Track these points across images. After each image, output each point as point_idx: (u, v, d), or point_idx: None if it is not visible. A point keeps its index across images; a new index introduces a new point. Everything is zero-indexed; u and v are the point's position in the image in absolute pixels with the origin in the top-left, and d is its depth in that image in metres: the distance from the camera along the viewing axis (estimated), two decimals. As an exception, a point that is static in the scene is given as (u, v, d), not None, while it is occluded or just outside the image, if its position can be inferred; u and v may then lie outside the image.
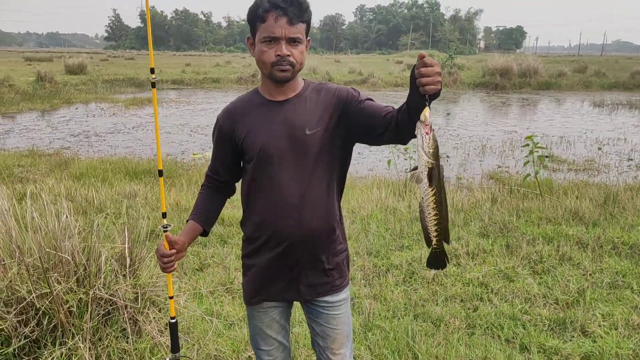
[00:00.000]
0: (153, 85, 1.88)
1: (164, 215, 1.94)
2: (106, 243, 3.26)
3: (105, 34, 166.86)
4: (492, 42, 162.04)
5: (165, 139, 12.52)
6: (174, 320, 2.06)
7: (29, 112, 17.63)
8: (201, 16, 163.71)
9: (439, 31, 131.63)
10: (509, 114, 18.25)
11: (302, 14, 1.80)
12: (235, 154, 1.95)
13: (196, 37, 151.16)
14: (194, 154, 10.90)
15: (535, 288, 3.98)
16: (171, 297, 2.03)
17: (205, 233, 2.02)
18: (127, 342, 2.94)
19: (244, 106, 1.94)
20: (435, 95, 1.55)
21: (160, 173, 1.96)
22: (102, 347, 2.86)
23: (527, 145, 6.65)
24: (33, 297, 2.66)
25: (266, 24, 1.77)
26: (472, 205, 6.04)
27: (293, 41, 1.79)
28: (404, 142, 1.80)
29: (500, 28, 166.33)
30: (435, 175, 1.60)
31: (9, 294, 2.72)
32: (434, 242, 1.70)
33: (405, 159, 7.96)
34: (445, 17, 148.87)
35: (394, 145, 7.63)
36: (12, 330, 2.70)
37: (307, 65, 32.82)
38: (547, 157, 9.97)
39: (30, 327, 2.76)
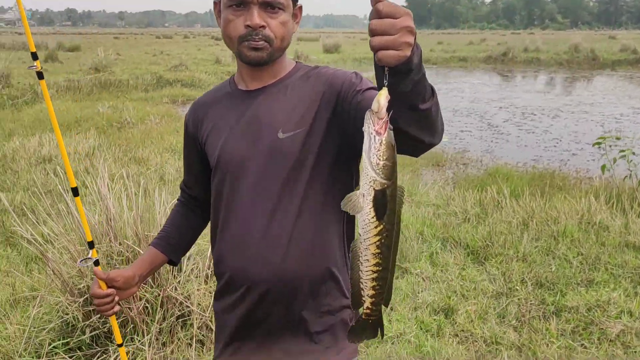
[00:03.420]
0: (39, 75, 1.39)
1: (91, 245, 1.57)
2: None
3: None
4: None
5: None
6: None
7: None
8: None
9: None
10: None
11: None
12: (204, 162, 1.48)
13: (458, 14, 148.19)
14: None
15: None
16: (120, 345, 1.69)
17: (172, 262, 1.59)
18: (191, 352, 2.74)
19: (211, 98, 1.47)
20: (404, 67, 0.87)
21: (75, 192, 1.55)
22: (165, 353, 2.72)
23: None
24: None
25: None
26: None
27: (270, 6, 1.25)
28: (415, 154, 1.11)
29: None
30: (383, 204, 0.92)
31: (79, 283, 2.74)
32: (367, 304, 1.05)
33: (630, 160, 6.15)
34: None
35: (608, 144, 5.89)
36: (78, 320, 2.71)
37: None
38: None
39: (102, 318, 2.74)
